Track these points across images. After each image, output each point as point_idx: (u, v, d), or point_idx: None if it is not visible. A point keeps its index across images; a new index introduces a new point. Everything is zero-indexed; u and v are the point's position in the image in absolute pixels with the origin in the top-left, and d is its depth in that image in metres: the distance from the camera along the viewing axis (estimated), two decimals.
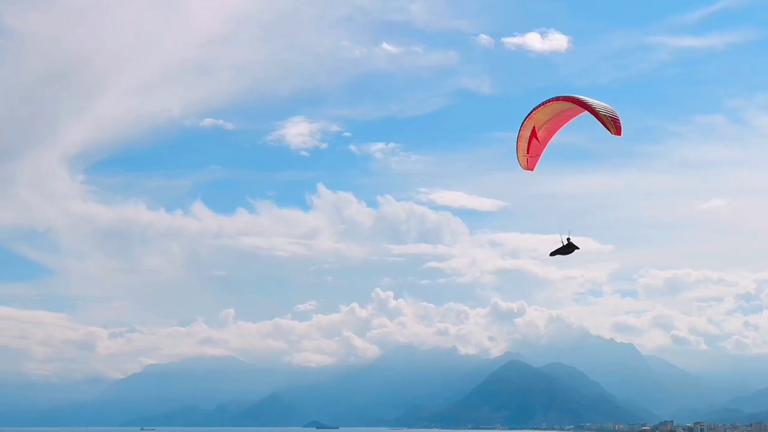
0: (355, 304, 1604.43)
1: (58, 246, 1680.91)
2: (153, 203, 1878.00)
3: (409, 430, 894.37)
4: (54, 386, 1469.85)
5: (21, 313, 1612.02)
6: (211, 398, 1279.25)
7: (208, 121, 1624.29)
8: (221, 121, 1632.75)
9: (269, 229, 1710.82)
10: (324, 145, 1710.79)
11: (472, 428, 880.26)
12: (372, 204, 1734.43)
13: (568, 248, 67.38)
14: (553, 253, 68.65)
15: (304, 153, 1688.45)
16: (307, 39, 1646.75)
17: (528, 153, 68.35)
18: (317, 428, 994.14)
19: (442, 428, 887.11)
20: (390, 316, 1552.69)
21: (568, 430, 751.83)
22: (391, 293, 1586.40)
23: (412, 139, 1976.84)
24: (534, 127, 66.73)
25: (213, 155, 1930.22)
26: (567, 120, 66.83)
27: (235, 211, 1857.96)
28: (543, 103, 64.47)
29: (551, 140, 68.65)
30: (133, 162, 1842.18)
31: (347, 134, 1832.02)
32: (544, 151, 68.94)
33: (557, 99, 63.51)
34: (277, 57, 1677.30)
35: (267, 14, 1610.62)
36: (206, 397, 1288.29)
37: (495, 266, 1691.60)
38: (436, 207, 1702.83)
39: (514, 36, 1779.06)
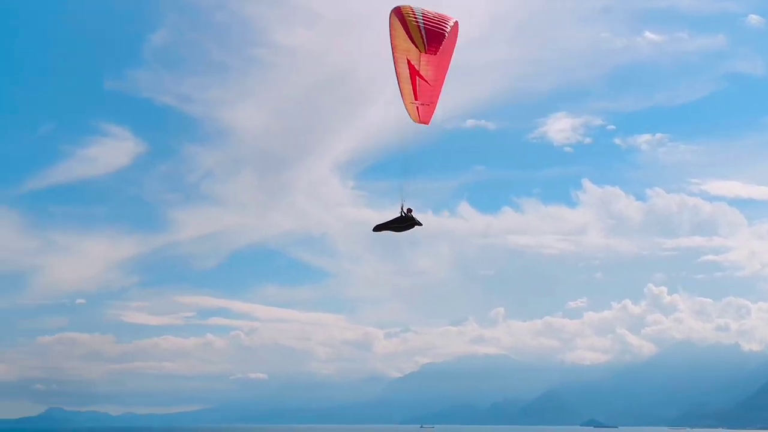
0: (627, 301, 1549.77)
1: (334, 250, 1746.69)
2: (420, 205, 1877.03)
3: (692, 429, 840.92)
4: (336, 385, 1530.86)
5: (303, 315, 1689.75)
6: (486, 396, 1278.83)
7: (470, 123, 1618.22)
8: (483, 122, 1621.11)
9: (535, 227, 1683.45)
10: (588, 140, 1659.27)
11: (761, 429, 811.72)
12: (641, 197, 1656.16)
13: (403, 222, 48.85)
14: (378, 228, 50.26)
15: (567, 149, 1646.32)
16: (564, 34, 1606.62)
17: (416, 99, 50.25)
18: (595, 427, 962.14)
19: (728, 428, 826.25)
20: (665, 312, 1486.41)
21: None
22: (664, 288, 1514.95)
23: (680, 128, 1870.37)
24: (409, 61, 48.55)
25: (476, 156, 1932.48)
26: (448, 46, 48.33)
27: (500, 210, 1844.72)
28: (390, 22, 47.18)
29: (446, 80, 50.19)
30: (399, 166, 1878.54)
31: (611, 127, 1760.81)
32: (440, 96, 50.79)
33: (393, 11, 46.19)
34: (535, 54, 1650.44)
35: (523, 12, 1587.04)
36: (481, 395, 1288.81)
37: None
38: (709, 198, 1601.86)
39: None
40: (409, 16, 44.12)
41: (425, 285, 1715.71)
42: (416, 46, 43.68)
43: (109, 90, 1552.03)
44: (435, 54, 44.22)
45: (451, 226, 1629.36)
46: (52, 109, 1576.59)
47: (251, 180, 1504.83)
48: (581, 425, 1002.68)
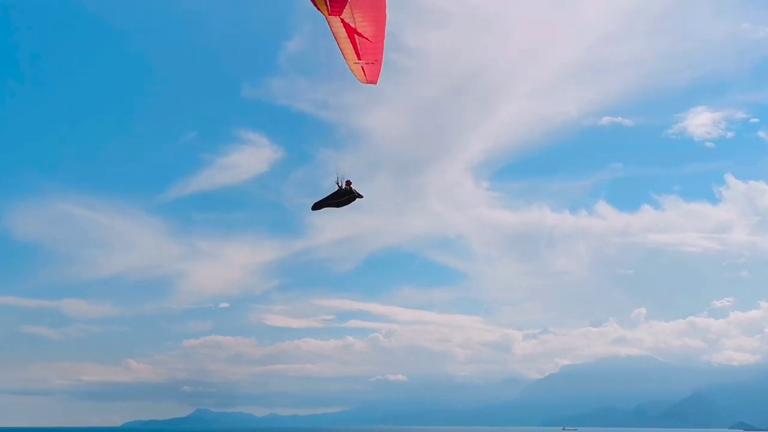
0: None
1: (470, 252, 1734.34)
2: (556, 205, 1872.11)
3: None
4: (475, 387, 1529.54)
5: (441, 317, 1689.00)
6: (629, 398, 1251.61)
7: (606, 120, 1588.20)
8: (620, 119, 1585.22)
9: (676, 225, 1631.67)
10: (730, 134, 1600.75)
11: None
12: None
13: (341, 196, 45.88)
14: (318, 205, 47.15)
15: (708, 144, 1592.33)
16: (703, 26, 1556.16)
17: (359, 59, 48.06)
18: (744, 430, 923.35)
19: None
20: None
21: None
22: None
23: None
24: (342, 20, 46.35)
25: (614, 153, 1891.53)
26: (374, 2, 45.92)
27: (639, 208, 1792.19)
28: None
29: (386, 32, 47.87)
30: (534, 166, 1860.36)
31: (754, 120, 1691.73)
32: (384, 52, 48.52)
33: None
34: (673, 47, 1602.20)
35: (659, 5, 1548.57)
36: (624, 397, 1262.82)
37: None
38: None
39: None
40: None
41: (563, 285, 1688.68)
42: (319, 10, 41.31)
43: (247, 98, 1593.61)
44: (339, 15, 41.69)
45: (588, 225, 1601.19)
46: (194, 119, 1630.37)
47: (386, 184, 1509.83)
48: (730, 428, 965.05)
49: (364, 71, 48.35)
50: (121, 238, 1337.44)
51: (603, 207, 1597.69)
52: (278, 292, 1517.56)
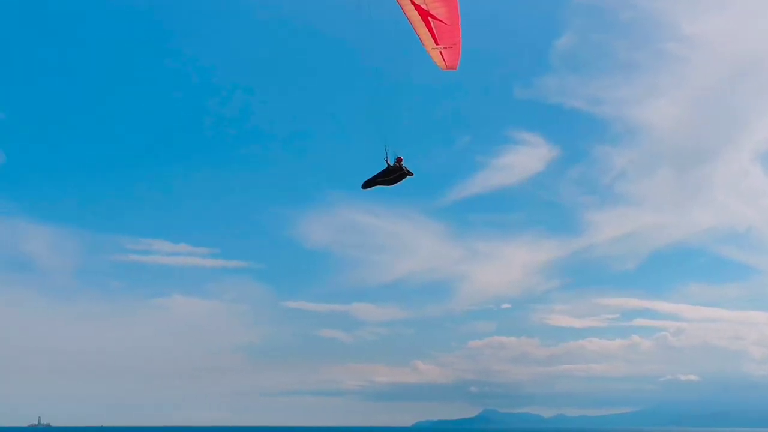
0: None
1: (763, 245, 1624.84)
2: None
3: None
4: None
5: (733, 314, 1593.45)
6: None
7: None
8: None
9: None
10: None
11: None
12: None
13: (391, 173, 43.55)
14: (366, 184, 44.85)
15: None
16: None
17: (437, 44, 46.17)
18: None
19: None
20: None
21: None
22: None
23: None
24: (413, 2, 44.56)
25: None
26: None
27: None
28: None
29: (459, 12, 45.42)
30: None
31: None
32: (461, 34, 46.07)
33: None
34: None
35: None
36: None
37: None
38: None
39: None
40: None
41: None
42: None
43: (519, 99, 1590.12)
44: None
45: None
46: (468, 123, 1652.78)
47: (667, 177, 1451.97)
48: None
49: (443, 56, 46.31)
50: (403, 243, 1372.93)
51: None
52: (559, 291, 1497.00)
